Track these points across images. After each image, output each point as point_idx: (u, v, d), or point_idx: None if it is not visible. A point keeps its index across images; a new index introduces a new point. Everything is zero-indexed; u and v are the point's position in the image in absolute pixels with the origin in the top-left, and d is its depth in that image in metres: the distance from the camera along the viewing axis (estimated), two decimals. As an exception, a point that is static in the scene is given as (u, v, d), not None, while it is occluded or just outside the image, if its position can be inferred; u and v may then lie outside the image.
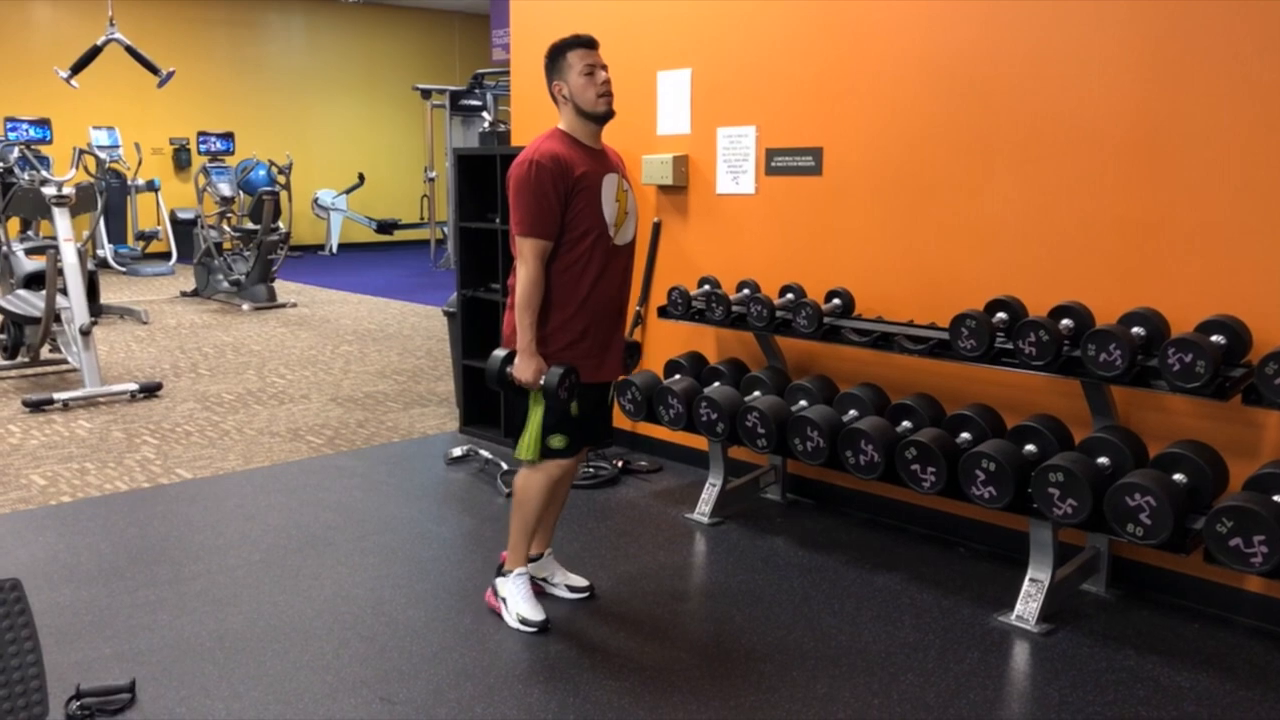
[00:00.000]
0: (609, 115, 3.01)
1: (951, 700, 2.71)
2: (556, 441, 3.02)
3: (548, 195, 2.87)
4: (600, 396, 3.17)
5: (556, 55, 2.99)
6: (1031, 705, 2.73)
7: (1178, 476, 2.93)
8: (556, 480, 3.10)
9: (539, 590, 3.27)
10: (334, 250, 14.68)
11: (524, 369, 2.93)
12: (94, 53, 8.58)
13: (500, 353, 3.04)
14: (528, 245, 2.90)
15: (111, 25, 8.62)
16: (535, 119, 5.25)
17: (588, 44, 2.99)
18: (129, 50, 8.71)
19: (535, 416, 3.01)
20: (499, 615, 3.14)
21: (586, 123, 2.99)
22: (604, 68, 2.98)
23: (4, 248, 7.64)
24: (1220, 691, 2.76)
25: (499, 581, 3.18)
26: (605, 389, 3.19)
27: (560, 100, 3.00)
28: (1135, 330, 3.12)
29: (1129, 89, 3.26)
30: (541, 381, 2.92)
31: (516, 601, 3.10)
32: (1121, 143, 3.29)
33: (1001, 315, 3.41)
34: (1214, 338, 2.98)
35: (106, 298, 9.01)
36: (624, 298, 3.13)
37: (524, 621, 3.07)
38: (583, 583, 3.32)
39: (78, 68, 8.58)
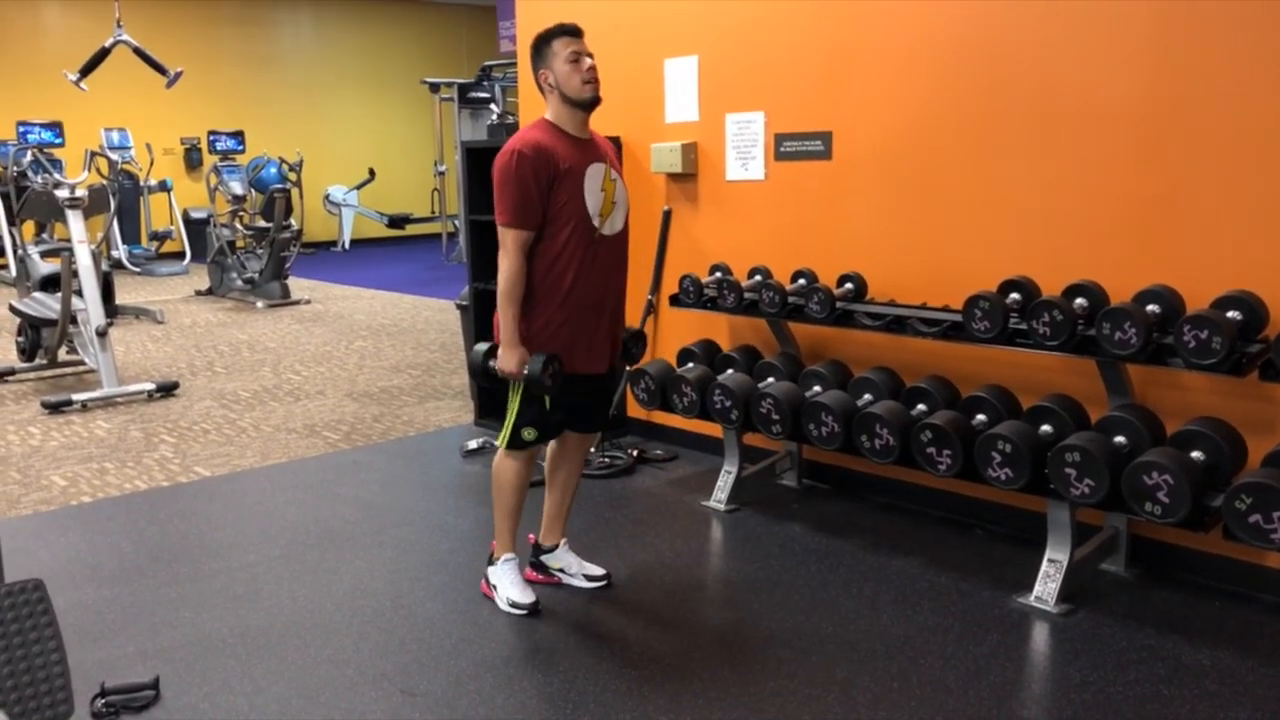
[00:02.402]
0: (595, 102, 2.98)
1: (971, 682, 2.70)
2: (528, 434, 3.05)
3: (529, 185, 2.87)
4: (591, 387, 3.15)
5: (541, 44, 2.97)
6: (1052, 686, 2.73)
7: (1195, 454, 2.91)
8: (527, 464, 3.13)
9: (556, 581, 3.31)
10: (346, 246, 14.72)
11: (507, 360, 2.95)
12: (102, 55, 8.61)
13: (482, 346, 3.07)
14: (509, 235, 2.92)
15: (119, 27, 8.65)
16: (542, 110, 5.23)
17: (572, 32, 2.96)
18: (136, 51, 8.73)
19: (513, 407, 3.05)
20: (493, 601, 3.19)
21: (573, 111, 2.97)
22: (589, 55, 2.96)
23: (19, 251, 7.70)
24: (1242, 669, 2.75)
25: (490, 570, 3.22)
26: (595, 380, 3.14)
27: (546, 89, 2.99)
28: (1150, 308, 3.10)
29: (1140, 64, 3.23)
30: (525, 371, 2.92)
31: (505, 586, 3.15)
32: (1133, 119, 3.26)
33: (1015, 296, 3.39)
34: (1230, 314, 2.96)
35: (122, 298, 9.06)
36: (613, 289, 3.10)
37: (514, 605, 3.11)
38: (600, 572, 3.33)
39: (86, 70, 8.61)
